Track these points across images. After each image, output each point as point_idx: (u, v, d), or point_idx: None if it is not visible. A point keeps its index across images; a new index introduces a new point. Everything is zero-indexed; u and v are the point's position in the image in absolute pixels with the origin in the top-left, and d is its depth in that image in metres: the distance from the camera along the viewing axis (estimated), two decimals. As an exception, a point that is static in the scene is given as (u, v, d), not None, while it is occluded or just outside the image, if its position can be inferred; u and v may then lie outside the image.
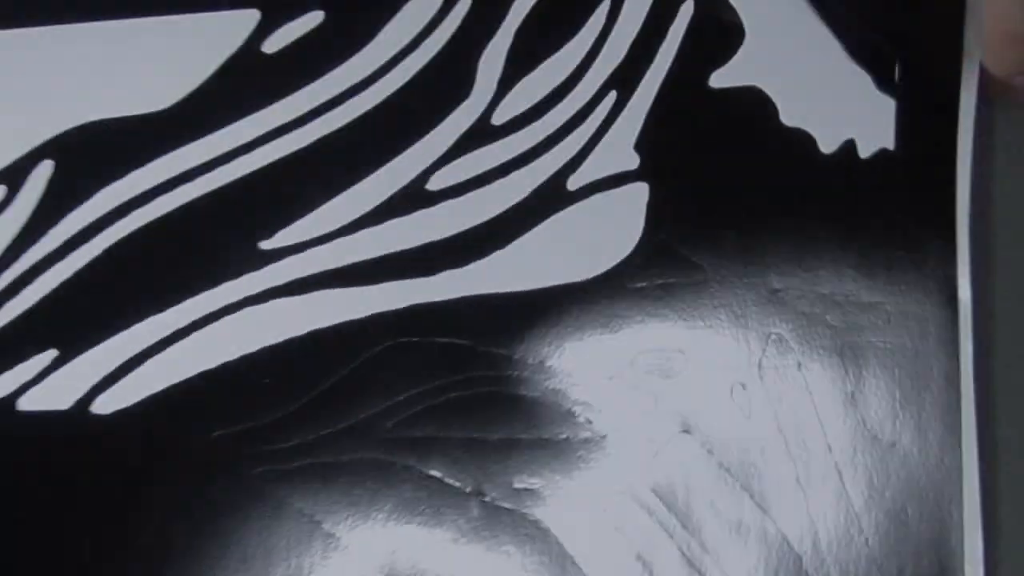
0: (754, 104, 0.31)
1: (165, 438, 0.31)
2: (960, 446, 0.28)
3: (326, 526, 0.30)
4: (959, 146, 0.29)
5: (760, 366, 0.29)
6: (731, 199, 0.30)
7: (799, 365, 0.29)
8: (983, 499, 0.27)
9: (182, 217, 0.32)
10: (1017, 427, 0.30)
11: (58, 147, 0.33)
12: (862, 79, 0.31)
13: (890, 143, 0.30)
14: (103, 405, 0.32)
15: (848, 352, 0.29)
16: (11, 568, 0.32)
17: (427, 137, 0.31)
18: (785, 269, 0.30)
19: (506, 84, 0.31)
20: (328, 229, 0.31)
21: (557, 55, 0.31)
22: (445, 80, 0.31)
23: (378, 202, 0.31)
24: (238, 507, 0.30)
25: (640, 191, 0.31)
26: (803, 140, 0.31)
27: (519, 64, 0.31)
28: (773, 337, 0.29)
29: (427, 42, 0.32)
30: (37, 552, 0.32)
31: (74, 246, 0.33)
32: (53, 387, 0.32)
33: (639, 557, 0.28)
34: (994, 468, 0.29)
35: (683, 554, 0.28)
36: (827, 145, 0.31)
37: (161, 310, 0.32)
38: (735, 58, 0.31)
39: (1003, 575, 0.29)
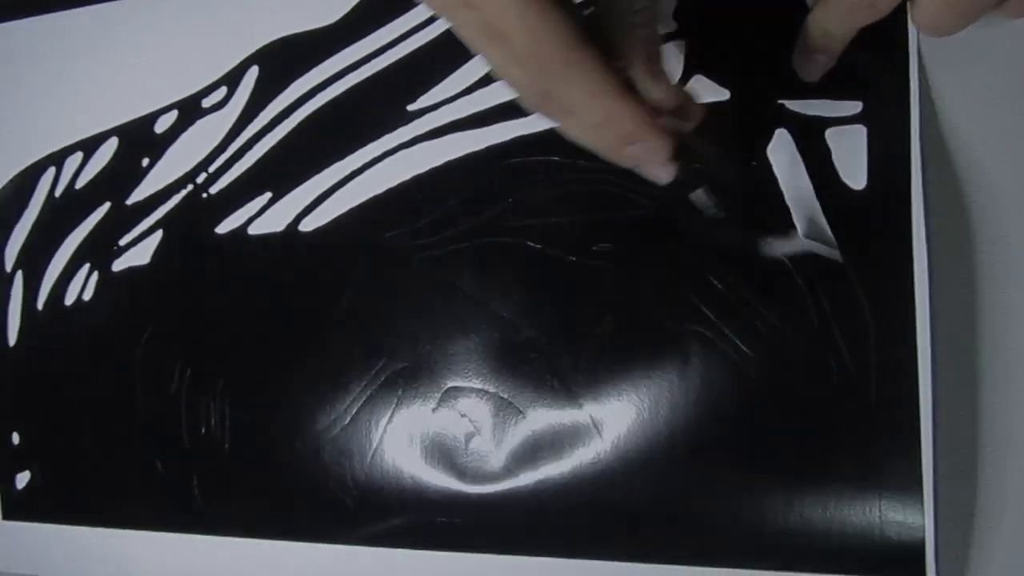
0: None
1: (350, 243, 0.45)
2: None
3: (466, 289, 0.43)
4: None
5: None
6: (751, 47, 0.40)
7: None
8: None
9: (350, 94, 0.46)
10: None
11: (260, 57, 0.48)
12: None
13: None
14: (306, 226, 0.46)
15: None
16: (255, 333, 0.46)
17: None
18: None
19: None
20: (454, 92, 0.44)
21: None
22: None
23: (487, 70, 0.44)
24: (405, 282, 0.44)
25: (679, 46, 0.41)
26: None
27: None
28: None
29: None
30: (267, 318, 0.46)
31: (277, 122, 0.47)
32: (270, 217, 0.47)
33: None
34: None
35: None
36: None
37: (341, 159, 0.46)
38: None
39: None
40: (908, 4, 0.32)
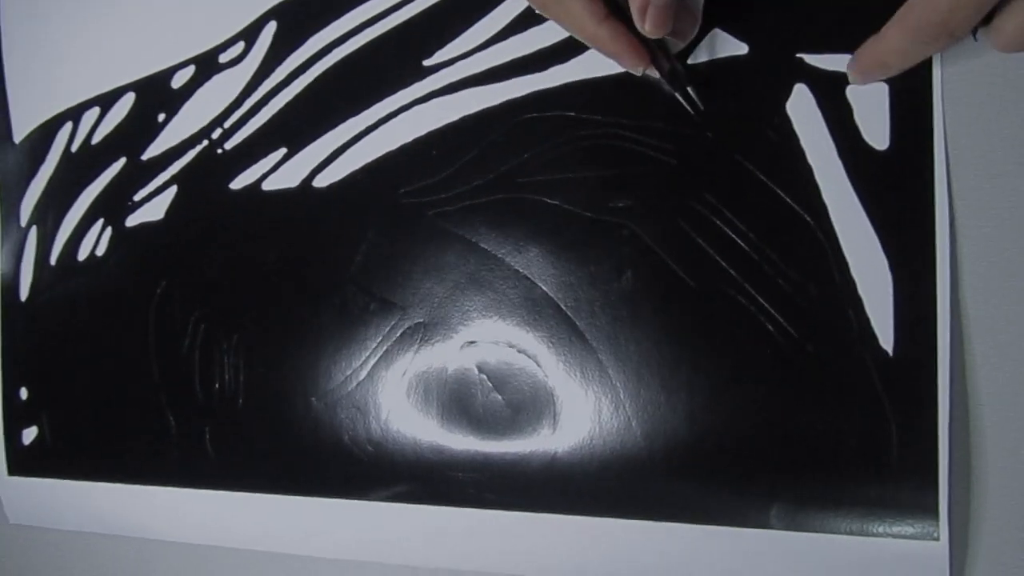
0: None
1: (364, 199, 0.45)
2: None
3: (482, 244, 0.43)
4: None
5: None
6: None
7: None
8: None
9: (366, 49, 0.46)
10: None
11: (277, 11, 0.48)
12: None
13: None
14: (320, 181, 0.46)
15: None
16: (270, 289, 0.46)
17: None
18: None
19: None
20: (470, 47, 0.44)
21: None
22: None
23: (503, 25, 0.44)
24: (420, 238, 0.44)
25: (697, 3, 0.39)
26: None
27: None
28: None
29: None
30: (281, 274, 0.46)
31: (293, 78, 0.47)
32: (285, 173, 0.47)
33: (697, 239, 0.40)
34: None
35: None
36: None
37: (356, 114, 0.46)
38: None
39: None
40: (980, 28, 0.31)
